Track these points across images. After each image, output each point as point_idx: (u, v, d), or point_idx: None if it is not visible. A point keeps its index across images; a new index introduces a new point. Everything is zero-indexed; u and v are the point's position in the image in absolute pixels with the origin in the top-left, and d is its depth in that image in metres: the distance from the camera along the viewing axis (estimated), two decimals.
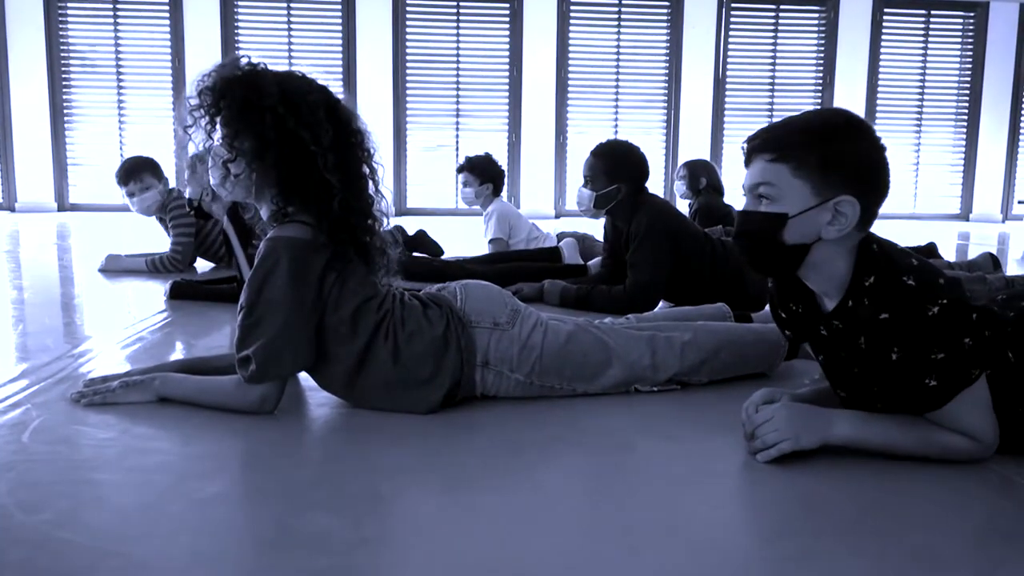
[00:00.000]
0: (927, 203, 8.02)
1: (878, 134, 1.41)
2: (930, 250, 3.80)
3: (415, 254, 3.82)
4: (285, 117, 1.60)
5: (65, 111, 7.49)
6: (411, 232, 4.22)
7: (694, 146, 7.64)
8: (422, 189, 7.77)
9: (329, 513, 1.27)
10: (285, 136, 1.60)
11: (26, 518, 1.21)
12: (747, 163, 1.43)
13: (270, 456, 1.50)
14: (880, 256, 1.38)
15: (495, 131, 7.70)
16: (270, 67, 1.68)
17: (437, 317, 1.76)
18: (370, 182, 1.73)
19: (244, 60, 1.68)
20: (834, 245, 1.38)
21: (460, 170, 4.37)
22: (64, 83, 7.45)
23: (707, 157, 7.66)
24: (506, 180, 7.67)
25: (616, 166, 2.94)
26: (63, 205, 7.50)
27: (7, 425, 1.60)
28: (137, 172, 3.79)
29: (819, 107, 1.51)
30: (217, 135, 1.65)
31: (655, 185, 7.64)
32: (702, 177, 4.61)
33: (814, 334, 1.49)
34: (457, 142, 7.72)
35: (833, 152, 1.36)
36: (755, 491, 1.37)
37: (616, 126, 7.73)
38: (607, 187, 2.94)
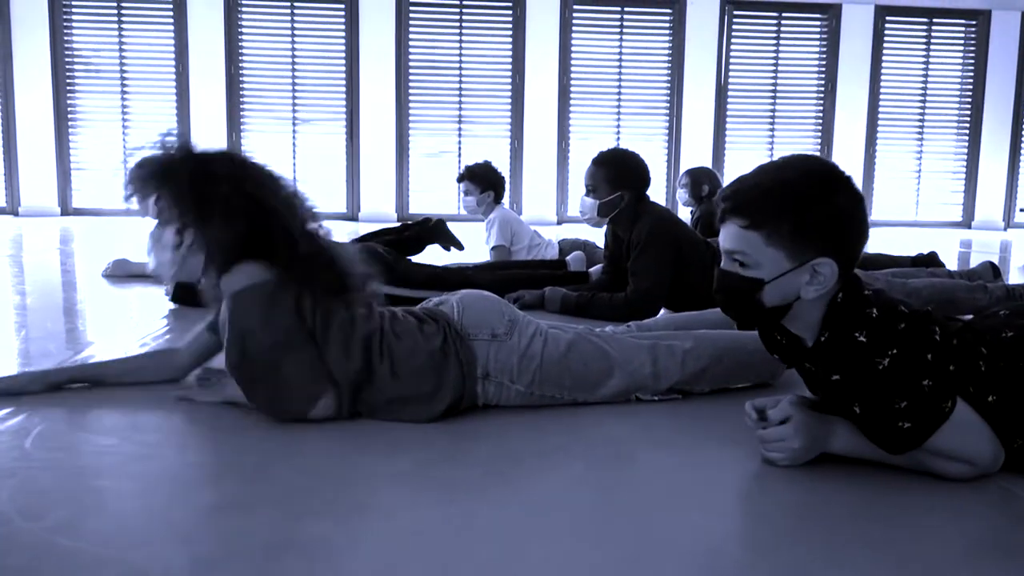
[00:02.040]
0: (929, 211, 8.02)
1: (853, 184, 1.39)
2: (932, 258, 3.80)
3: (415, 258, 3.79)
4: (240, 183, 1.65)
5: (69, 116, 7.51)
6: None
7: (696, 153, 7.65)
8: (424, 195, 7.78)
9: (328, 520, 1.27)
10: (243, 203, 1.65)
11: (27, 524, 1.21)
12: (721, 221, 1.42)
13: (269, 463, 1.50)
14: (841, 309, 1.37)
15: (497, 137, 7.71)
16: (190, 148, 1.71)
17: (433, 332, 1.77)
18: (309, 220, 1.76)
19: (170, 141, 1.70)
20: (813, 299, 1.38)
21: (460, 179, 4.37)
22: (68, 88, 7.47)
23: (709, 164, 7.67)
24: (508, 186, 7.69)
25: (619, 174, 2.95)
26: (66, 209, 7.52)
27: (9, 431, 1.60)
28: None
29: (795, 158, 1.51)
30: (167, 219, 1.69)
31: (656, 192, 7.64)
32: (704, 184, 4.61)
33: (799, 365, 1.50)
34: (459, 148, 7.73)
35: (807, 218, 1.33)
36: (753, 501, 1.37)
37: (618, 133, 7.74)
38: (610, 195, 2.95)
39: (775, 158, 1.51)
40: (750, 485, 1.42)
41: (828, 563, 1.16)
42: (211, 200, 1.64)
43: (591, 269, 3.72)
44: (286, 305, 1.66)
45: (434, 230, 4.08)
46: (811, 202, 1.33)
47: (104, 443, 1.58)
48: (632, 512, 1.35)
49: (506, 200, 4.45)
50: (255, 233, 1.66)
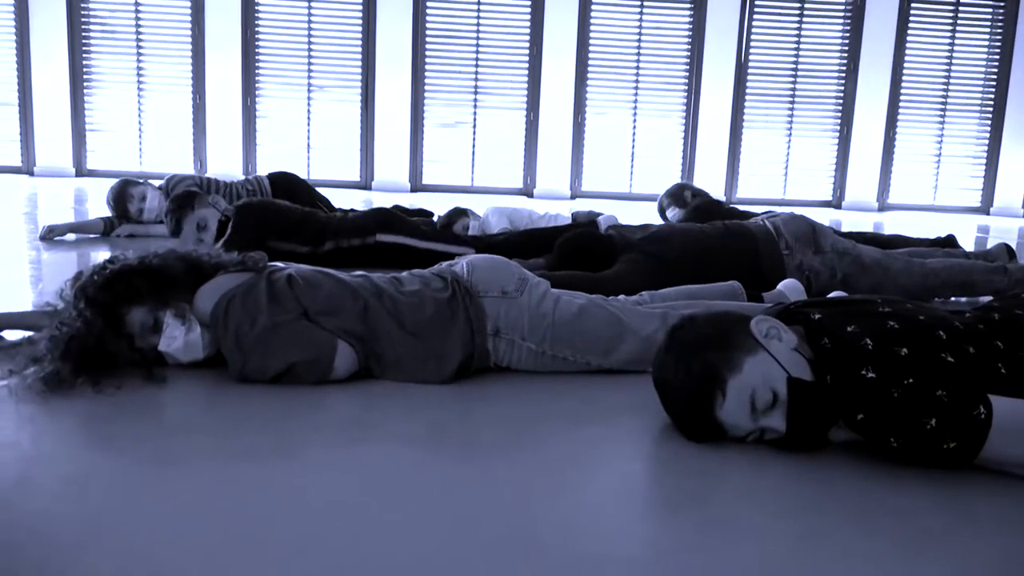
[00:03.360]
0: (947, 195, 7.93)
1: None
2: (949, 241, 3.76)
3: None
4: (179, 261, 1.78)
5: (85, 77, 7.49)
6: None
7: (713, 130, 7.57)
8: (439, 166, 7.74)
9: (341, 476, 1.27)
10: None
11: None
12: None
13: (283, 420, 1.51)
14: (833, 352, 1.40)
15: (513, 109, 7.65)
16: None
17: (441, 287, 1.80)
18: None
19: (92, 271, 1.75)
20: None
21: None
22: (84, 49, 7.44)
23: (726, 143, 7.60)
24: (522, 159, 7.61)
25: (586, 266, 2.86)
26: (81, 170, 7.52)
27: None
28: (124, 192, 3.90)
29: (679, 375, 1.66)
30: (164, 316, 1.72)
31: (672, 175, 7.58)
32: (686, 192, 4.51)
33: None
34: (475, 119, 7.67)
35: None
36: (769, 470, 1.37)
37: (635, 108, 7.66)
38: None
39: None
40: (764, 455, 1.41)
41: (844, 530, 1.16)
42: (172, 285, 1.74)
43: (600, 218, 3.70)
44: (262, 292, 1.70)
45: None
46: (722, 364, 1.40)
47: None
48: (646, 475, 1.35)
49: (519, 177, 4.33)
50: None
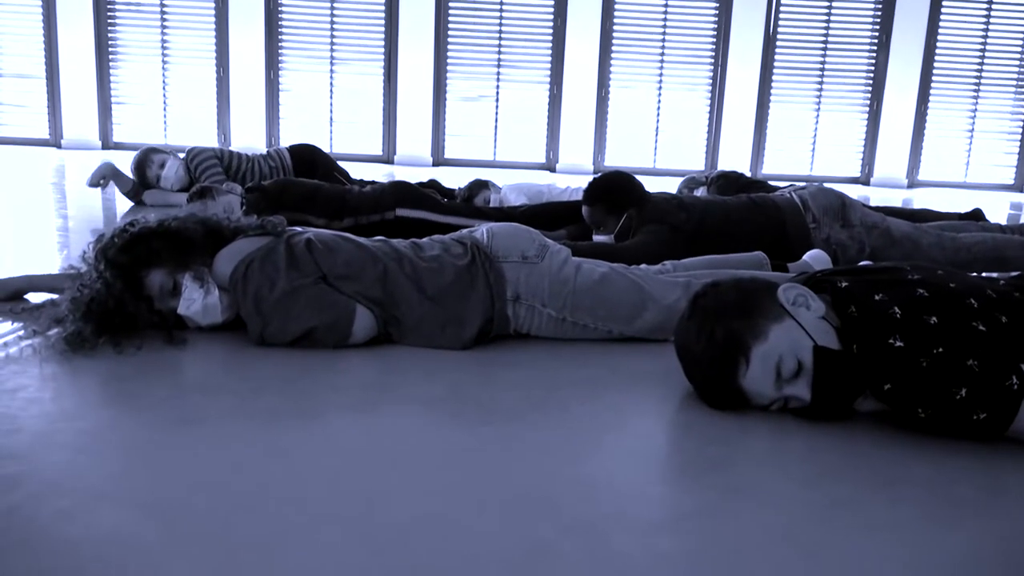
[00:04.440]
0: (979, 172, 7.75)
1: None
2: (976, 215, 3.69)
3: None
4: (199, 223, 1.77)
5: (110, 50, 7.52)
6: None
7: (740, 104, 7.45)
8: (461, 140, 7.70)
9: (361, 437, 1.27)
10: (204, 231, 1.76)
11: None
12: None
13: (303, 381, 1.51)
14: (860, 321, 1.36)
15: (536, 83, 7.57)
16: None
17: (461, 253, 1.78)
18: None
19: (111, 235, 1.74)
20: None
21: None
22: (110, 21, 7.47)
23: (752, 117, 7.48)
24: (545, 133, 7.54)
25: (615, 202, 2.85)
26: (107, 143, 7.58)
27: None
28: (145, 158, 3.94)
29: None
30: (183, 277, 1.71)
31: (697, 151, 7.50)
32: (701, 176, 4.47)
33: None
34: (497, 93, 7.61)
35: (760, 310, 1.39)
36: (793, 439, 1.34)
37: (660, 81, 7.55)
38: (618, 223, 2.86)
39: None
40: (789, 424, 1.39)
41: (872, 499, 1.14)
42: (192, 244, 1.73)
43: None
44: (280, 256, 1.69)
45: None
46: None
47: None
48: (670, 441, 1.34)
49: (541, 152, 4.33)
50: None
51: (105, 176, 3.91)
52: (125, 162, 4.04)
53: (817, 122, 7.54)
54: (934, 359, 1.27)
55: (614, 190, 2.89)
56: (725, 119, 7.52)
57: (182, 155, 4.04)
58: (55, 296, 1.84)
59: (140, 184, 3.95)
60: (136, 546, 0.92)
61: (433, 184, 4.19)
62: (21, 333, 1.68)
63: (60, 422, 1.25)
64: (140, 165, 3.93)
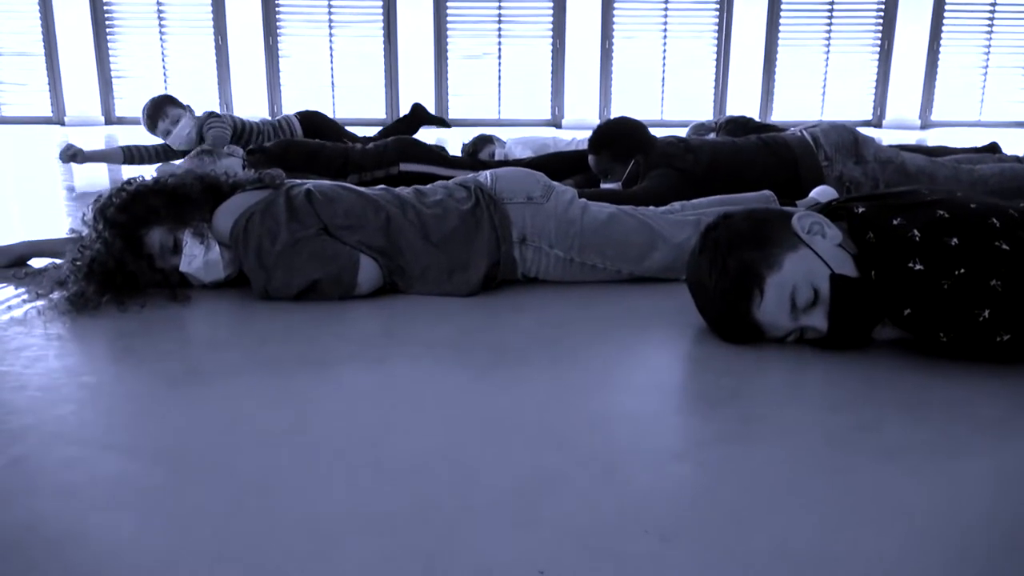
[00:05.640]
0: (995, 110, 7.58)
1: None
2: (993, 148, 3.60)
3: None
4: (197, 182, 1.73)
5: (107, 23, 7.44)
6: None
7: (747, 50, 7.29)
8: (465, 99, 7.60)
9: (368, 380, 1.25)
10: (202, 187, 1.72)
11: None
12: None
13: (310, 330, 1.49)
14: (877, 246, 1.33)
15: (539, 37, 7.44)
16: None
17: (464, 197, 1.75)
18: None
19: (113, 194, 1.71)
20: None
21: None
22: None
23: (760, 62, 7.32)
24: (549, 88, 7.43)
25: (621, 149, 2.79)
26: (110, 118, 7.54)
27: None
28: (160, 109, 3.81)
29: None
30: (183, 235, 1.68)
31: (705, 100, 7.36)
32: (707, 123, 4.38)
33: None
34: (500, 49, 7.49)
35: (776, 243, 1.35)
36: (811, 368, 1.31)
37: (665, 29, 7.39)
38: (626, 169, 2.80)
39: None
40: (808, 355, 1.35)
41: (896, 421, 1.11)
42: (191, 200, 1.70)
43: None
44: (280, 209, 1.66)
45: (416, 116, 4.01)
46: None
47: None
48: (687, 373, 1.31)
49: (547, 108, 4.28)
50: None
51: (81, 156, 3.80)
52: (127, 138, 4.00)
53: (827, 65, 7.38)
54: (956, 281, 1.23)
55: (620, 136, 2.84)
56: (732, 65, 7.38)
57: (199, 113, 3.94)
58: (57, 260, 1.82)
59: (149, 130, 3.87)
60: (142, 489, 0.90)
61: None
62: (25, 297, 1.67)
63: (65, 378, 1.23)
64: (155, 112, 3.80)
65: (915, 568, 0.76)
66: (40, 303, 1.60)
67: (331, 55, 7.47)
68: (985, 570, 0.77)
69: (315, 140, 3.43)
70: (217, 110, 4.12)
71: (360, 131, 4.79)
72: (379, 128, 4.57)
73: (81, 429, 1.06)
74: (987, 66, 7.54)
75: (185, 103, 3.93)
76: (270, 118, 4.35)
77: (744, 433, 1.06)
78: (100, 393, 1.19)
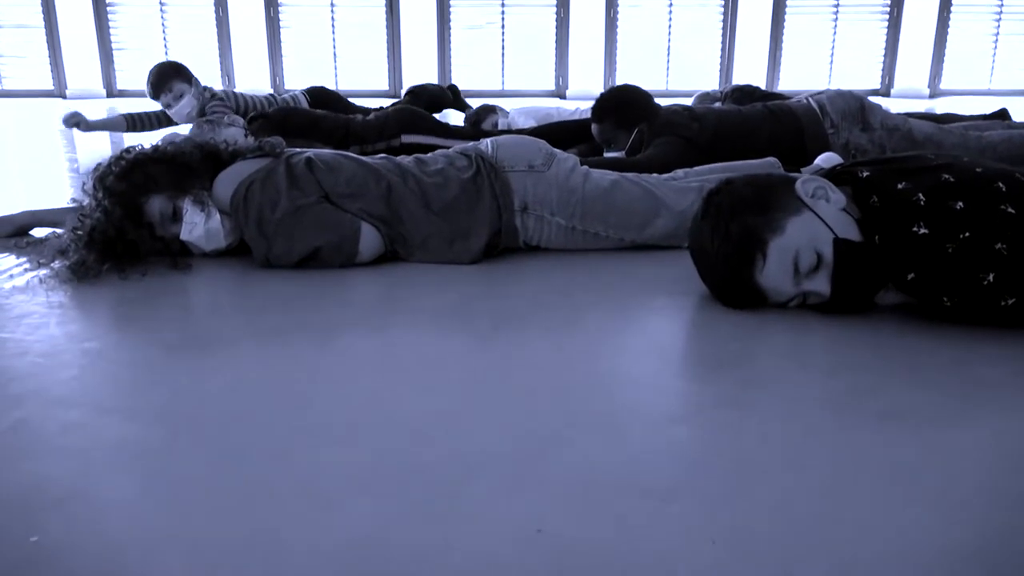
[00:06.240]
0: (1005, 78, 7.49)
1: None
2: (1002, 114, 3.56)
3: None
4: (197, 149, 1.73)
5: None
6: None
7: (754, 17, 7.20)
8: (469, 70, 7.53)
9: (371, 346, 1.25)
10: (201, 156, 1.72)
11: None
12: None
13: (312, 297, 1.49)
14: (882, 210, 1.31)
15: (542, 6, 7.36)
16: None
17: (465, 165, 1.73)
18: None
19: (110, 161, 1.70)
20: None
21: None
22: None
23: (767, 30, 7.23)
24: (554, 59, 7.36)
25: (625, 118, 2.76)
26: (112, 91, 7.51)
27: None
28: (165, 81, 3.73)
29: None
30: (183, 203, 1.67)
31: (711, 68, 7.28)
32: (712, 92, 4.34)
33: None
34: (503, 19, 7.41)
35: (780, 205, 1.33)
36: (813, 333, 1.31)
37: None
38: (630, 138, 2.77)
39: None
40: (807, 319, 1.35)
41: (893, 384, 1.10)
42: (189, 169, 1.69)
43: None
44: (281, 177, 1.65)
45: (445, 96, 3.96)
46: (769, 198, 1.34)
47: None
48: (689, 339, 1.31)
49: (550, 79, 4.25)
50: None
51: (84, 124, 3.79)
52: (129, 110, 3.98)
53: (835, 32, 7.28)
54: (960, 244, 1.22)
55: (623, 104, 2.81)
56: (739, 34, 7.29)
57: (204, 85, 3.90)
58: (58, 230, 1.82)
59: (151, 97, 3.84)
60: (143, 452, 0.91)
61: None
62: (27, 266, 1.67)
63: (66, 344, 1.24)
64: (161, 81, 3.74)
65: (914, 529, 0.76)
66: (42, 272, 1.60)
67: (332, 25, 7.40)
68: (985, 530, 0.77)
69: (317, 110, 3.41)
70: (221, 87, 4.07)
71: (361, 104, 4.76)
72: (393, 101, 4.52)
73: (83, 394, 1.06)
74: (998, 33, 7.42)
75: (193, 76, 3.87)
76: (276, 94, 4.32)
77: (745, 397, 1.06)
78: (101, 359, 1.19)
